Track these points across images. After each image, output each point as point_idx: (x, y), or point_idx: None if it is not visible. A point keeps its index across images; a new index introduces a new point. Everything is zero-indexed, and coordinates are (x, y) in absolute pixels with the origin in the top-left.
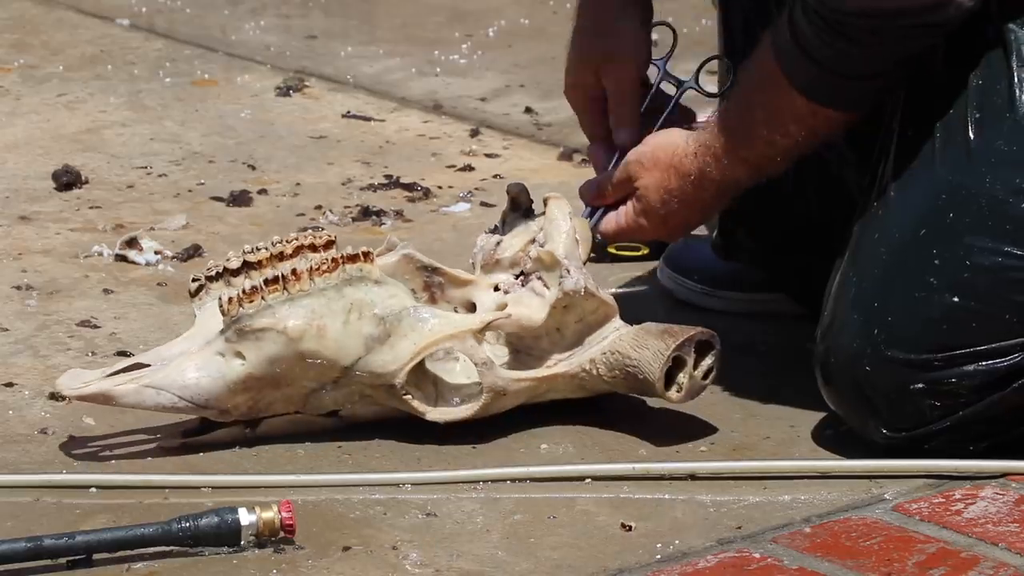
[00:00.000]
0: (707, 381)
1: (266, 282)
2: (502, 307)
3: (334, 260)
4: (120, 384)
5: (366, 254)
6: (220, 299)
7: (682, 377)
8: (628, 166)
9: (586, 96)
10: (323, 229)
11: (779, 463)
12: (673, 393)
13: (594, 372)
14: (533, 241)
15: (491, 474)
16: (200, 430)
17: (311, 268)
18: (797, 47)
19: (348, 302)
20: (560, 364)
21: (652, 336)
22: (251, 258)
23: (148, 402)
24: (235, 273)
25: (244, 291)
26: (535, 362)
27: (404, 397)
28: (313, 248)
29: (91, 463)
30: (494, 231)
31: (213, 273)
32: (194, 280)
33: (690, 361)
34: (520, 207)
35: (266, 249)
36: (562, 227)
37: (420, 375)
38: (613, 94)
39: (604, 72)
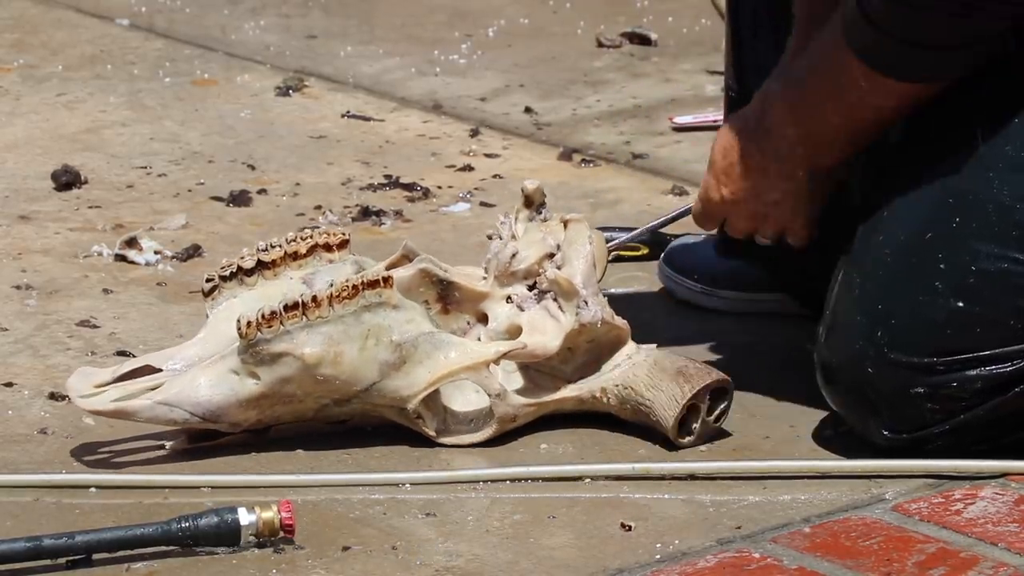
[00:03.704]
0: (719, 424)
1: (286, 308)
2: (515, 330)
3: (354, 287)
4: (134, 400)
5: (386, 279)
6: (239, 321)
7: (695, 424)
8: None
9: None
10: (320, 228)
11: (779, 463)
12: (685, 439)
13: (604, 400)
14: (551, 256)
15: (491, 474)
16: (206, 436)
17: (331, 295)
18: (859, 9)
19: (366, 328)
20: (571, 388)
21: (667, 377)
22: (265, 257)
23: (162, 418)
24: (249, 273)
25: (263, 316)
26: (544, 379)
27: (416, 420)
28: (328, 248)
29: (91, 463)
30: (504, 222)
31: (227, 273)
32: (208, 280)
33: (704, 408)
34: (533, 204)
35: (280, 247)
36: (581, 252)
37: (431, 398)
38: None
39: None
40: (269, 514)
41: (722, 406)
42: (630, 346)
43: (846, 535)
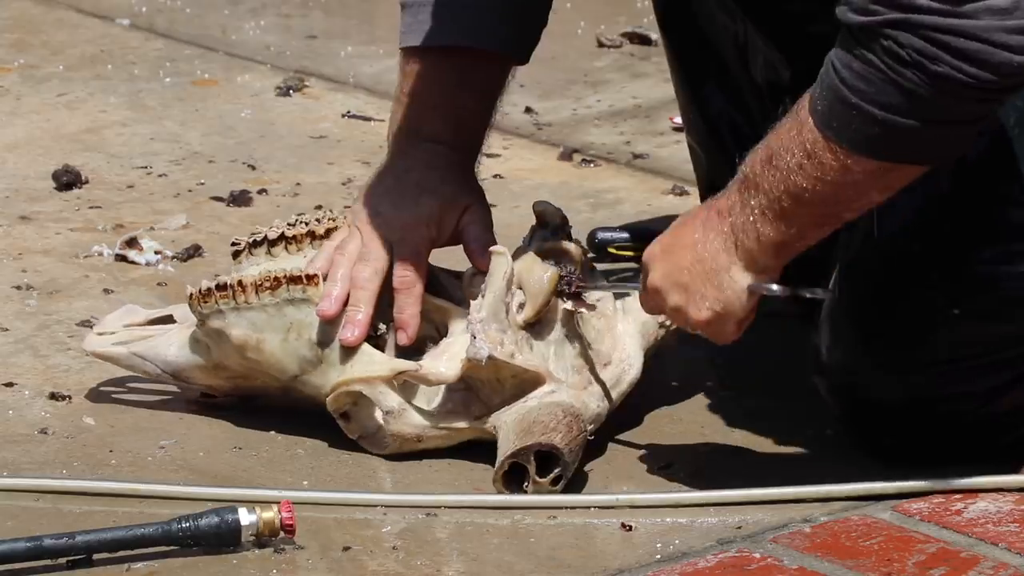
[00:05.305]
0: (557, 487)
1: (218, 287)
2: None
3: (276, 279)
4: (118, 348)
5: (310, 277)
6: (188, 289)
7: (527, 484)
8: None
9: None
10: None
11: (783, 490)
12: (511, 492)
13: (496, 437)
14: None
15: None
16: (210, 395)
17: (255, 282)
18: (836, 90)
19: (288, 321)
20: (479, 421)
21: (517, 428)
22: (288, 232)
23: (137, 368)
24: (273, 244)
25: (200, 291)
26: (477, 407)
27: (338, 420)
28: None
29: (91, 465)
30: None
31: (253, 240)
32: (233, 244)
33: (531, 469)
34: (547, 225)
35: (305, 224)
36: (491, 286)
37: (366, 402)
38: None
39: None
40: (269, 514)
41: (557, 470)
42: (542, 389)
43: (846, 535)
